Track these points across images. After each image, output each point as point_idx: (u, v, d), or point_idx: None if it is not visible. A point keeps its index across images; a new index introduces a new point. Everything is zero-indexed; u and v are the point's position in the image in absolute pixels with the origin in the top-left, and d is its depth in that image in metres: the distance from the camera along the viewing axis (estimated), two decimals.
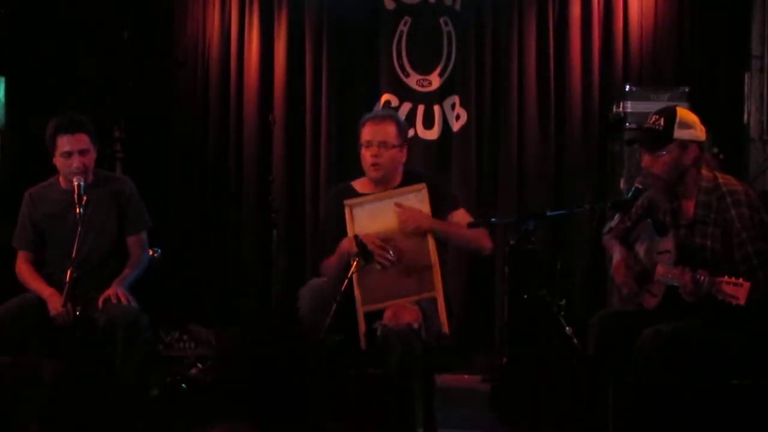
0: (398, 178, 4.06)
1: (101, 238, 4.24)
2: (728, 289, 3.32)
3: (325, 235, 4.13)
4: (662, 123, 3.59)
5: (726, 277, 3.35)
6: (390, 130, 4.01)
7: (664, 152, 3.57)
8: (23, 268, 4.28)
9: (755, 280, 3.36)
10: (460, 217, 4.02)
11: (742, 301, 3.29)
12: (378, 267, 3.83)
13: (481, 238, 4.02)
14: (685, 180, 3.61)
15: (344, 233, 3.92)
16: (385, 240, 3.85)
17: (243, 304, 5.99)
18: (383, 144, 3.99)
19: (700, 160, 3.61)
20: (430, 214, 3.90)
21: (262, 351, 2.00)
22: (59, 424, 3.65)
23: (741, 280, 3.32)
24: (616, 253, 3.86)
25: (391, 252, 3.83)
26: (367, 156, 4.01)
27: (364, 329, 3.81)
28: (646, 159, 3.64)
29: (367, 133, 4.03)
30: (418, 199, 3.91)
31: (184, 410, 4.28)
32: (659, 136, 3.58)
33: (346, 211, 3.93)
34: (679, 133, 3.57)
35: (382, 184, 4.04)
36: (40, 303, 4.12)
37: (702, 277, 3.40)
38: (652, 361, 3.46)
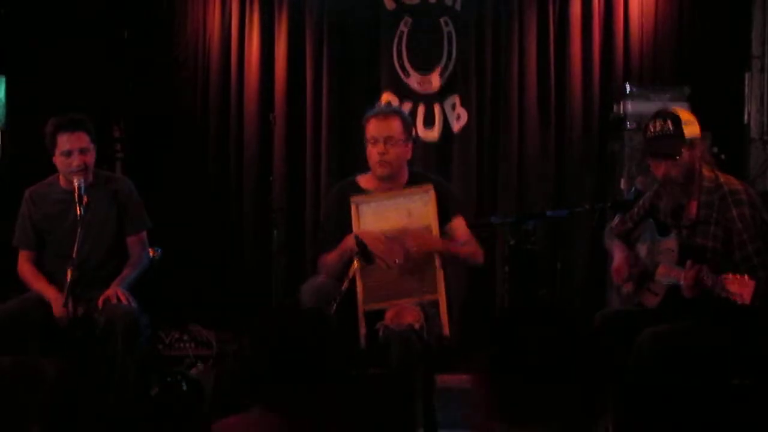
0: (404, 177, 4.03)
1: (101, 238, 4.24)
2: (733, 288, 3.31)
3: (326, 231, 4.11)
4: (671, 126, 3.56)
5: (730, 275, 3.34)
6: (396, 126, 3.98)
7: (682, 155, 3.55)
8: (25, 268, 4.28)
9: (756, 279, 3.36)
10: (459, 225, 4.01)
11: (747, 299, 3.27)
12: (384, 266, 3.81)
13: (476, 255, 4.05)
14: (692, 179, 3.61)
15: (346, 229, 3.90)
16: (390, 239, 3.83)
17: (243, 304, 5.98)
18: (389, 140, 3.95)
19: (704, 155, 3.61)
20: (436, 216, 3.88)
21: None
22: (60, 424, 3.64)
23: (746, 277, 3.31)
24: (617, 253, 3.86)
25: (400, 256, 3.81)
26: (373, 153, 3.97)
27: (364, 329, 3.81)
28: (662, 167, 3.58)
29: (372, 129, 3.99)
30: (423, 201, 3.89)
31: (184, 410, 4.28)
32: (675, 140, 3.55)
33: (352, 207, 3.90)
34: (687, 133, 3.56)
35: (388, 181, 4.01)
36: (41, 303, 4.11)
37: (706, 277, 3.39)
38: (651, 361, 3.46)
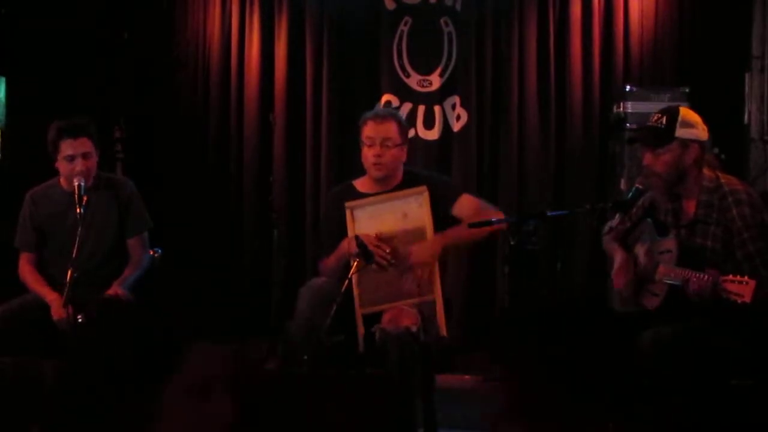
0: (398, 178, 4.05)
1: (102, 239, 4.24)
2: (733, 288, 3.31)
3: (324, 234, 4.12)
4: (664, 121, 3.59)
5: (730, 275, 3.34)
6: (392, 129, 3.99)
7: (665, 151, 3.57)
8: (26, 270, 4.27)
9: (758, 279, 3.35)
10: (465, 202, 3.99)
11: (747, 299, 3.27)
12: (378, 268, 3.82)
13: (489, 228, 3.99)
14: (686, 180, 3.61)
15: (344, 234, 3.91)
16: (385, 241, 3.84)
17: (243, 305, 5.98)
18: (385, 142, 3.96)
19: (702, 159, 3.61)
20: (431, 218, 3.88)
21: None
22: (60, 424, 3.64)
23: (746, 278, 3.31)
24: (617, 258, 3.85)
25: (388, 251, 3.82)
26: (369, 155, 3.99)
27: (362, 332, 3.81)
28: (647, 158, 3.63)
29: (369, 130, 4.00)
30: (418, 203, 3.89)
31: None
32: (661, 135, 3.58)
33: (347, 212, 3.91)
34: (680, 132, 3.56)
35: (383, 183, 4.03)
36: (42, 303, 4.11)
37: (707, 277, 3.39)
38: (652, 362, 3.46)
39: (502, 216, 4.02)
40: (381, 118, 4.04)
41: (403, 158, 4.05)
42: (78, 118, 4.22)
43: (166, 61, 6.22)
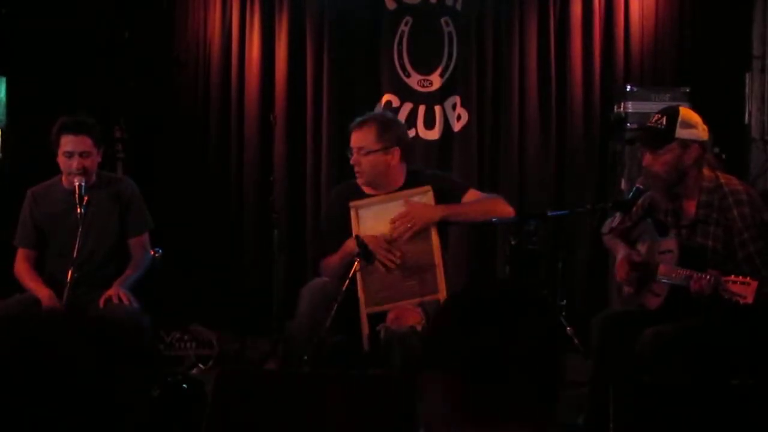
0: (400, 179, 4.00)
1: (102, 239, 4.24)
2: (735, 288, 3.31)
3: (326, 233, 4.11)
4: (664, 122, 3.59)
5: (732, 276, 3.34)
6: (368, 136, 3.91)
7: (665, 151, 3.57)
8: (21, 266, 4.26)
9: (760, 279, 3.35)
10: (471, 196, 3.98)
11: (750, 300, 3.28)
12: (382, 269, 3.82)
13: (499, 206, 4.00)
14: (686, 180, 3.61)
15: (347, 233, 3.89)
16: (390, 241, 3.83)
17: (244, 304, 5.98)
18: (360, 150, 3.92)
19: (702, 160, 3.61)
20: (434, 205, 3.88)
21: None
22: (60, 425, 3.64)
23: (748, 278, 3.31)
24: (619, 251, 3.86)
25: (398, 255, 3.82)
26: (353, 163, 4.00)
27: (367, 331, 3.80)
28: (647, 158, 3.63)
29: (351, 140, 4.00)
30: (422, 202, 3.89)
31: (185, 410, 4.27)
32: (661, 135, 3.58)
33: (352, 212, 3.90)
34: (680, 133, 3.56)
35: (380, 187, 3.99)
36: (41, 302, 4.11)
37: (708, 277, 3.39)
38: (652, 362, 3.46)
39: (508, 206, 4.02)
40: (358, 125, 3.97)
41: (391, 162, 3.94)
42: (84, 115, 4.23)
43: (166, 61, 6.21)
